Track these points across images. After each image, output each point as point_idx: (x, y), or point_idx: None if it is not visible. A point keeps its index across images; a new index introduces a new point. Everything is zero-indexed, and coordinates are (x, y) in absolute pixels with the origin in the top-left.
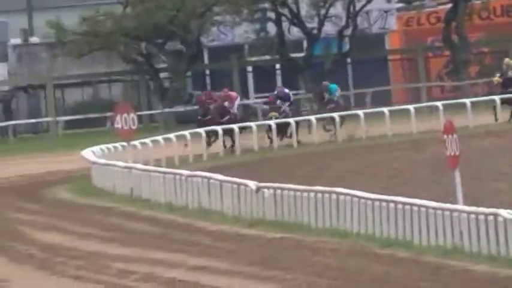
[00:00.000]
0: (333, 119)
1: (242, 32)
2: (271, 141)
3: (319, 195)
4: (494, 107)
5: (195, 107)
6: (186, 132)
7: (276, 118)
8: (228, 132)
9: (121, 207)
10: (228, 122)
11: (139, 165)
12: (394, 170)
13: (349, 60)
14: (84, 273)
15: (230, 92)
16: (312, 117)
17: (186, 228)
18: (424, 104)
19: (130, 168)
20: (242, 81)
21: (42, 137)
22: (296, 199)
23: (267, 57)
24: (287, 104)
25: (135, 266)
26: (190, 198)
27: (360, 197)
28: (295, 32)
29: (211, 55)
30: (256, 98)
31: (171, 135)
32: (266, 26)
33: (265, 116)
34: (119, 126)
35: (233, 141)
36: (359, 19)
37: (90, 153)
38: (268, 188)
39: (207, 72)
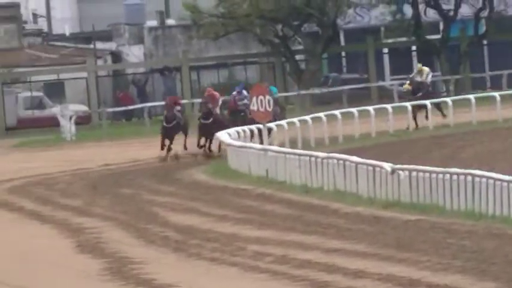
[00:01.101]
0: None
1: (378, 14)
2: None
3: (455, 177)
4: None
5: (331, 89)
6: (322, 114)
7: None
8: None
9: (256, 189)
10: (213, 123)
11: (274, 147)
12: None
13: (485, 42)
14: (219, 255)
15: (213, 92)
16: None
17: (321, 210)
18: None
19: (266, 150)
20: (378, 63)
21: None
22: (431, 181)
23: (403, 39)
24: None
25: (270, 248)
26: (326, 180)
27: (496, 179)
28: (431, 14)
29: (347, 37)
30: (392, 80)
31: (307, 117)
32: (402, 8)
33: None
34: (255, 108)
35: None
36: (495, 1)
37: (225, 136)
38: (403, 170)
39: (343, 54)
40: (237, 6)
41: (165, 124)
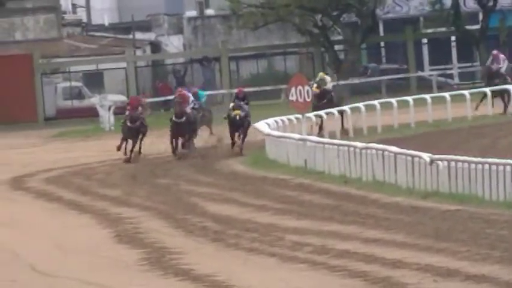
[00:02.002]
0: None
1: (417, 4)
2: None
3: (494, 167)
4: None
5: (370, 79)
6: (361, 105)
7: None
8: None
9: (295, 179)
10: (186, 123)
11: (313, 138)
12: None
13: None
14: (258, 246)
15: (184, 92)
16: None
17: (360, 201)
18: None
19: (305, 140)
20: (417, 54)
21: (217, 109)
22: (470, 171)
23: (442, 29)
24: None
25: (308, 238)
26: (364, 171)
27: None
28: (470, 4)
29: (386, 27)
30: (431, 70)
31: (346, 107)
32: None
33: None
34: (294, 98)
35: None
36: None
37: (264, 126)
38: (442, 160)
39: (382, 44)
40: None
41: (129, 124)
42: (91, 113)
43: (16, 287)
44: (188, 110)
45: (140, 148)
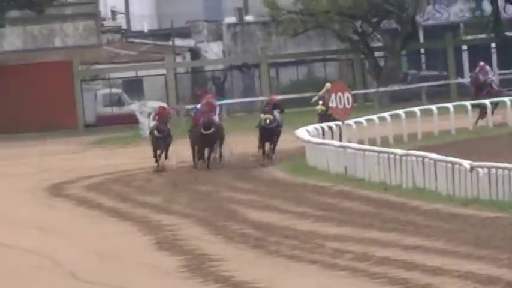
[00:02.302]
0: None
1: (457, 11)
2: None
3: None
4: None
5: (410, 86)
6: (401, 111)
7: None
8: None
9: (335, 186)
10: (215, 133)
11: (353, 144)
12: None
13: None
14: (298, 253)
15: (210, 100)
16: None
17: (400, 208)
18: None
19: (345, 147)
20: (457, 60)
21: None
22: (511, 178)
23: (482, 36)
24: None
25: (348, 246)
26: (405, 178)
27: None
28: (510, 10)
29: (426, 34)
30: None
31: (386, 114)
32: (481, 5)
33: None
34: (334, 105)
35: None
36: None
37: (304, 132)
38: (482, 167)
39: (422, 51)
40: (316, 3)
41: (156, 133)
42: (131, 120)
43: None
44: (216, 119)
45: (166, 157)
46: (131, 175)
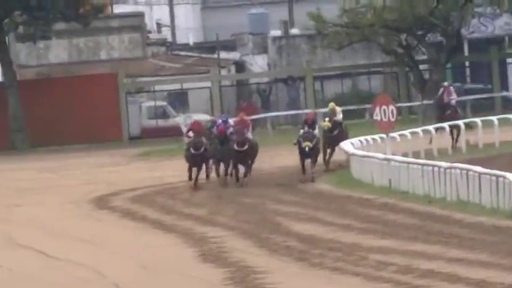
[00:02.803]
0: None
1: (502, 24)
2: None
3: None
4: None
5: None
6: (445, 124)
7: None
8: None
9: (379, 199)
10: (249, 150)
11: (398, 157)
12: None
13: None
14: (342, 265)
15: (245, 117)
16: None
17: (444, 220)
18: None
19: (389, 160)
20: (501, 73)
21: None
22: None
23: None
24: None
25: (392, 258)
26: (449, 190)
27: None
28: None
29: (471, 47)
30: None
31: (430, 127)
32: None
33: None
34: (378, 118)
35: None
36: None
37: (348, 145)
38: None
39: (467, 64)
40: (361, 16)
41: (193, 151)
42: (175, 132)
43: None
44: (250, 136)
45: (208, 175)
46: (175, 187)
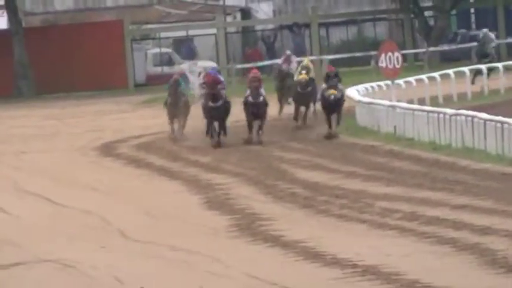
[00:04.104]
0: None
1: None
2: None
3: None
4: None
5: (460, 46)
6: (451, 71)
7: None
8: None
9: (385, 146)
10: (263, 104)
11: (403, 104)
12: None
13: None
14: (348, 212)
15: (258, 72)
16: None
17: (449, 167)
18: None
19: (394, 106)
20: (507, 20)
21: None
22: None
23: None
24: None
25: (398, 205)
26: (454, 137)
27: None
28: None
29: None
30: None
31: (435, 74)
32: None
33: None
34: (384, 64)
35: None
36: None
37: (354, 92)
38: None
39: (472, 10)
40: None
41: (211, 104)
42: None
43: (105, 252)
44: (263, 91)
45: (225, 129)
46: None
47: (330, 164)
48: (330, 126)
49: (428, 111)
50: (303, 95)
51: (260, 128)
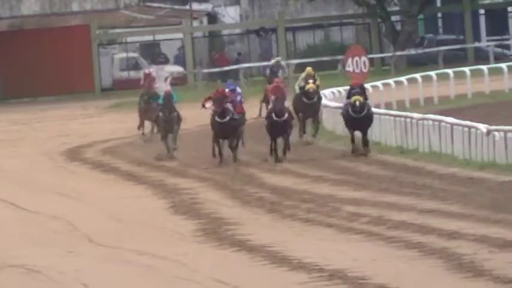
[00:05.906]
0: None
1: None
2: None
3: None
4: None
5: (427, 50)
6: (418, 76)
7: None
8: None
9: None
10: (289, 120)
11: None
12: None
13: None
14: (315, 217)
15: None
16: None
17: (416, 172)
18: None
19: None
20: (474, 24)
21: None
22: None
23: (500, 0)
24: None
25: (365, 209)
26: (421, 141)
27: None
28: None
29: None
30: (488, 41)
31: (402, 78)
32: None
33: (498, 59)
34: (351, 69)
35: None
36: None
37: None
38: (499, 130)
39: (439, 15)
40: None
41: (218, 119)
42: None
43: (72, 257)
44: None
45: (237, 145)
46: (147, 139)
47: (298, 168)
48: (353, 141)
49: (395, 116)
50: (311, 105)
51: (287, 146)
